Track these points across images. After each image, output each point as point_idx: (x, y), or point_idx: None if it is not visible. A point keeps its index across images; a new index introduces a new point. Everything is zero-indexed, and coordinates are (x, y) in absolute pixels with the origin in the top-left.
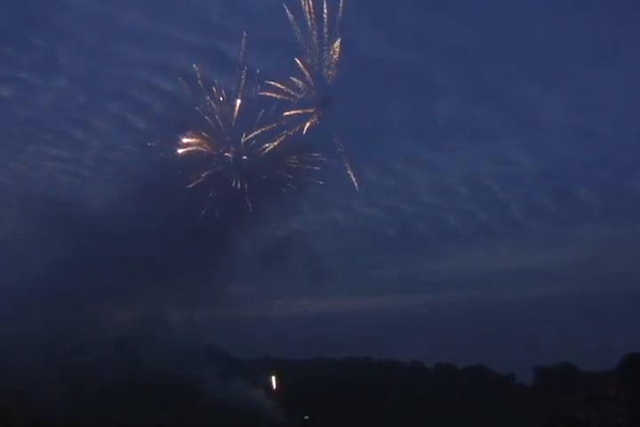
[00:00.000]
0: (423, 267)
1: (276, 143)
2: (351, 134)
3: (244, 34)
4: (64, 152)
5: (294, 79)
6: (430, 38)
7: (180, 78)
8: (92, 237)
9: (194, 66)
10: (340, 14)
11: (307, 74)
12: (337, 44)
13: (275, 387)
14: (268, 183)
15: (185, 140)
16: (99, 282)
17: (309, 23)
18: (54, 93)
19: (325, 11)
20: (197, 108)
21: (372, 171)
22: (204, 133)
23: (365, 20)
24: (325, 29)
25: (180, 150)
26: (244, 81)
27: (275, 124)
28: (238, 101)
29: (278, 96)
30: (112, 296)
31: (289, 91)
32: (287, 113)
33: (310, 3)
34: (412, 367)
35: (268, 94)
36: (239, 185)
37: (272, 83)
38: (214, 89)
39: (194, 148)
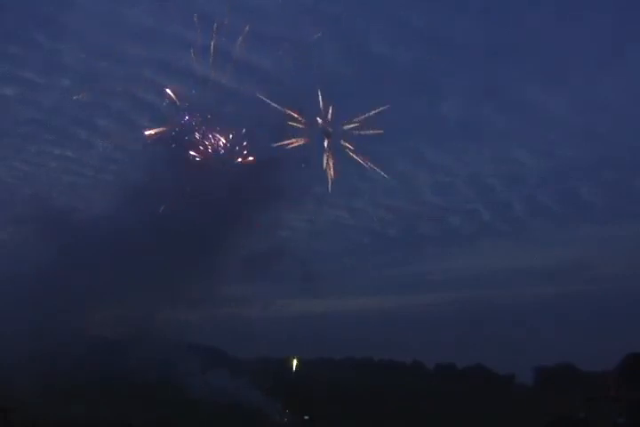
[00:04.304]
0: (424, 267)
1: None
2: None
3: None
4: (67, 152)
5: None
6: (434, 37)
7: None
8: (86, 237)
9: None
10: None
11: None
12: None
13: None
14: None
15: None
16: (90, 282)
17: None
18: (58, 93)
19: None
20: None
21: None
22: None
23: (370, 18)
24: None
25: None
26: None
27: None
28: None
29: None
30: (104, 296)
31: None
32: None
33: None
34: (412, 367)
35: None
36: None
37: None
38: None
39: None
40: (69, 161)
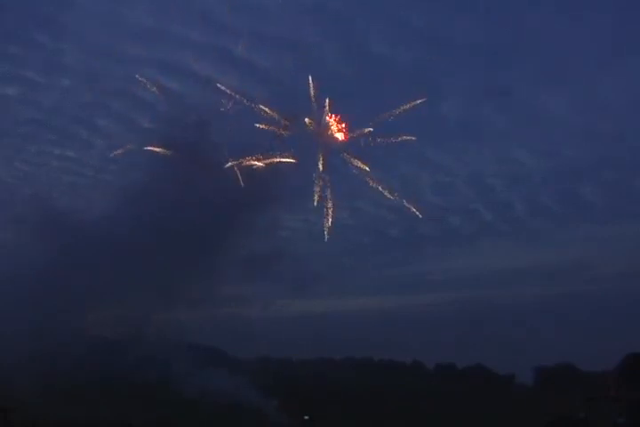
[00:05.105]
0: (424, 267)
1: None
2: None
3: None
4: (67, 152)
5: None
6: (434, 37)
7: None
8: (86, 237)
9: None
10: None
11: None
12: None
13: None
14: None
15: None
16: (90, 282)
17: None
18: (58, 92)
19: None
20: None
21: (376, 170)
22: None
23: (370, 18)
24: None
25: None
26: None
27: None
28: None
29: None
30: (104, 296)
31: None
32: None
33: None
34: (412, 367)
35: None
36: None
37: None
38: None
39: None
40: (69, 161)
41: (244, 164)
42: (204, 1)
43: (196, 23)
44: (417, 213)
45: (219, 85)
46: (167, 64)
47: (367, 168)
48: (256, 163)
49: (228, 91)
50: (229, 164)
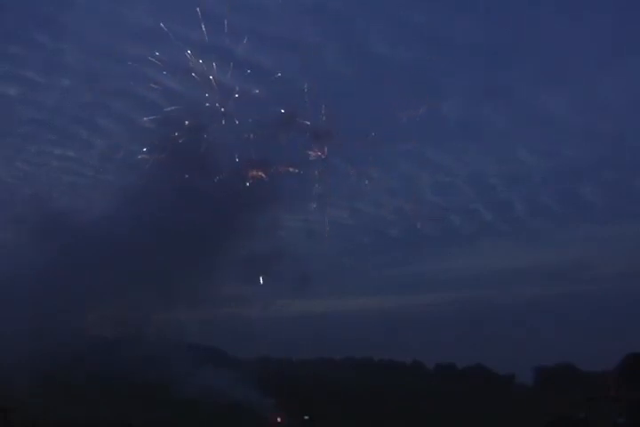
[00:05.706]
0: (424, 267)
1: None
2: (356, 134)
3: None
4: (68, 151)
5: None
6: (434, 37)
7: None
8: (86, 236)
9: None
10: None
11: None
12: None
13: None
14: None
15: None
16: (90, 282)
17: None
18: (59, 92)
19: None
20: None
21: (376, 171)
22: None
23: (370, 18)
24: None
25: None
26: None
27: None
28: None
29: None
30: (104, 296)
31: None
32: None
33: None
34: (412, 367)
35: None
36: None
37: None
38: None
39: None
40: (69, 161)
41: (243, 171)
42: (204, 1)
43: (196, 23)
44: (417, 224)
45: (218, 86)
46: (167, 64)
47: (366, 180)
48: (254, 173)
49: (227, 91)
50: (227, 170)
